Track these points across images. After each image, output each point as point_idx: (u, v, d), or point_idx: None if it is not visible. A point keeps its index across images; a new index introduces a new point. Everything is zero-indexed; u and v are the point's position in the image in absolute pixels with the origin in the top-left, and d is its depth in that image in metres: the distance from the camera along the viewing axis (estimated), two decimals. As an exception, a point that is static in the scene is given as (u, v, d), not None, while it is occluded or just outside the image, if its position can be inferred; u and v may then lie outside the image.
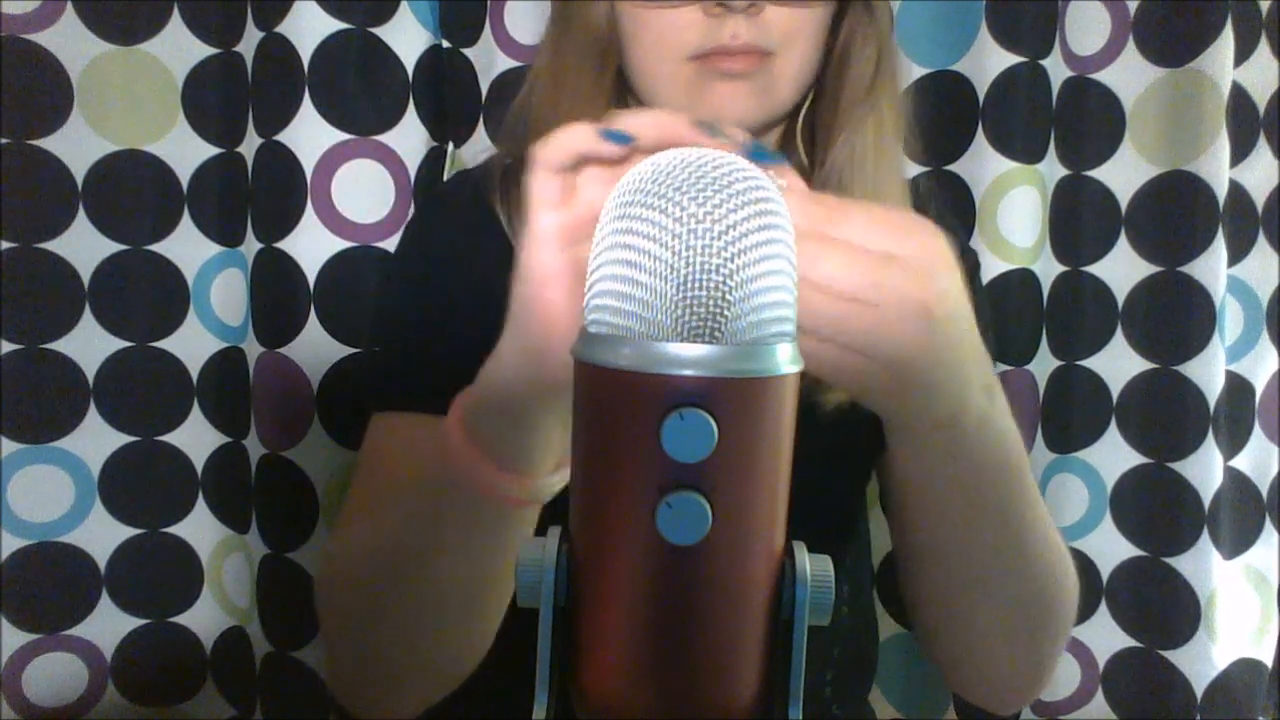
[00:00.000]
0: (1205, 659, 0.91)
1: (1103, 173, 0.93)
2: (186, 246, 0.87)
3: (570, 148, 0.42)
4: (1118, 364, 0.93)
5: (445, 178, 0.89)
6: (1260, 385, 0.93)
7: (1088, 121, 0.92)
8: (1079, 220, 0.94)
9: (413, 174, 0.85)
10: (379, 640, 0.58)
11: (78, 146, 0.82)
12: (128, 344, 0.86)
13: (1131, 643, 0.94)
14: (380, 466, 0.65)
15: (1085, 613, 0.96)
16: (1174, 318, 0.90)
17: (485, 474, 0.46)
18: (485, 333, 0.65)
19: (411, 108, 0.84)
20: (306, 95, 0.80)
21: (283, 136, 0.81)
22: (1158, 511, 0.92)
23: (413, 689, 0.59)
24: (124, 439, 0.87)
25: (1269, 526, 0.93)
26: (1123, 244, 0.92)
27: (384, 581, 0.55)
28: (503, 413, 0.45)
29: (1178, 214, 0.89)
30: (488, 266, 0.67)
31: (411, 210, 0.85)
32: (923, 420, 0.47)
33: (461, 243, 0.69)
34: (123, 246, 0.85)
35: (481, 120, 0.90)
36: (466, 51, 0.89)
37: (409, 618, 0.55)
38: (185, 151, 0.86)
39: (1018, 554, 0.57)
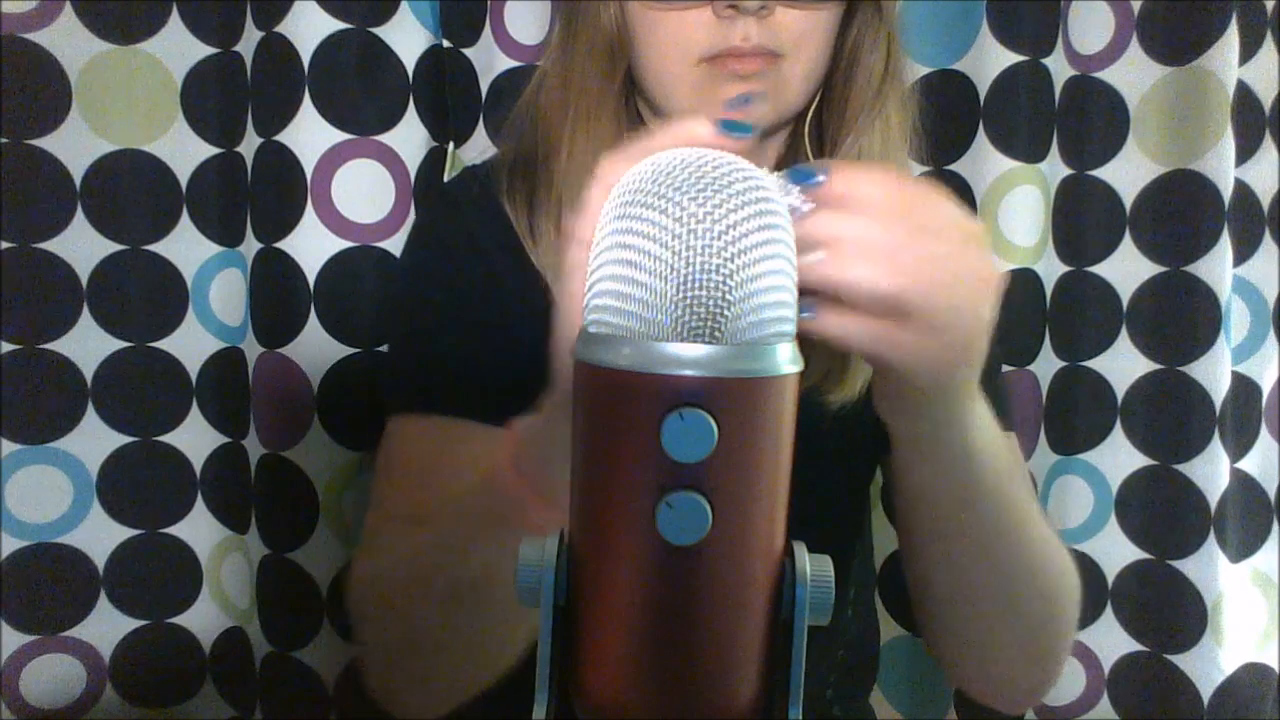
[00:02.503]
0: (1212, 663, 0.90)
1: (1107, 172, 0.92)
2: (185, 246, 0.87)
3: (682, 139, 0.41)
4: (1122, 365, 0.93)
5: (445, 178, 0.88)
6: (1267, 386, 0.92)
7: (1091, 120, 0.92)
8: (1083, 220, 0.93)
9: (413, 174, 0.85)
10: (425, 647, 0.57)
11: (76, 146, 0.82)
12: (126, 344, 0.86)
13: (1137, 647, 0.94)
14: (413, 476, 0.65)
15: (1090, 616, 0.95)
16: (1179, 318, 0.89)
17: (526, 505, 0.45)
18: (499, 328, 0.64)
19: (411, 108, 0.84)
20: (306, 95, 0.80)
21: (282, 136, 0.81)
22: (1163, 514, 0.91)
23: (454, 689, 0.59)
24: (122, 439, 0.87)
25: (1276, 529, 0.92)
26: (1127, 244, 0.92)
27: (433, 594, 0.55)
28: (551, 434, 0.44)
29: (1182, 213, 0.89)
30: (498, 262, 0.67)
31: (412, 210, 0.85)
32: (950, 402, 0.47)
33: (473, 238, 0.68)
34: (121, 246, 0.85)
35: (481, 120, 0.90)
36: (466, 51, 0.89)
37: (460, 627, 0.54)
38: (184, 151, 0.86)
39: (1020, 550, 0.57)
